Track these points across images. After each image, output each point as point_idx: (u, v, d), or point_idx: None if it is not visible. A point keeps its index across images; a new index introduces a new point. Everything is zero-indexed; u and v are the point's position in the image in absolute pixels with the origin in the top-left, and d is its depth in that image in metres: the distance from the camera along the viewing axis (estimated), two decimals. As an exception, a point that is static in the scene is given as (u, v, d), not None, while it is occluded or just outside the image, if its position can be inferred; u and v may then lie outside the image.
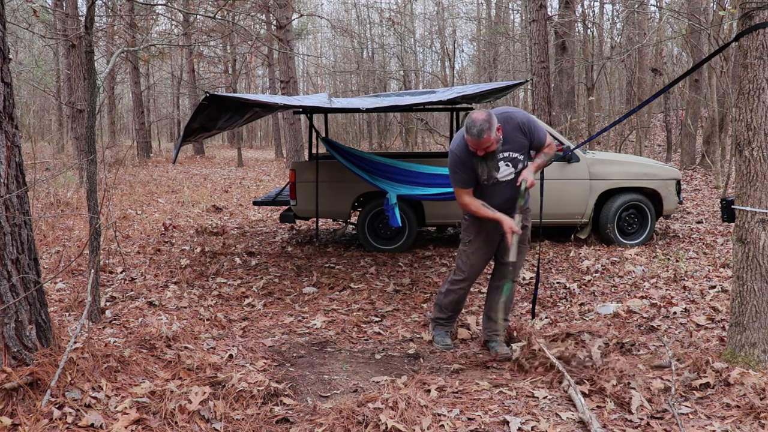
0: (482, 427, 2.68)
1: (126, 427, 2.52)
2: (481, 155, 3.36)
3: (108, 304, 4.54)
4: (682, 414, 2.69)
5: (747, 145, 2.92)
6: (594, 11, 17.80)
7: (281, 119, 19.53)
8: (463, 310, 4.38)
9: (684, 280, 5.07)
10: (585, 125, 14.97)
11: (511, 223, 3.40)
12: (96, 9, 4.59)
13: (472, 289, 4.82)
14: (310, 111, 6.71)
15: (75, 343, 2.87)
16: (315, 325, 4.26)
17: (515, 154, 3.49)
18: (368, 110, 5.47)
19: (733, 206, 3.03)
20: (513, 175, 3.51)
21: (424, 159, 6.50)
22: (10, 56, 2.72)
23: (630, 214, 6.67)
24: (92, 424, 2.49)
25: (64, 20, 13.34)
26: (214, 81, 26.02)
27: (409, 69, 23.64)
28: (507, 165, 3.49)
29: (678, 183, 6.72)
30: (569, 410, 2.82)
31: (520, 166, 3.51)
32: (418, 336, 4.06)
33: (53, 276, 5.09)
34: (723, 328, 3.82)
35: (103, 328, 3.86)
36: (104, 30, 15.60)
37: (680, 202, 6.81)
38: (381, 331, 4.16)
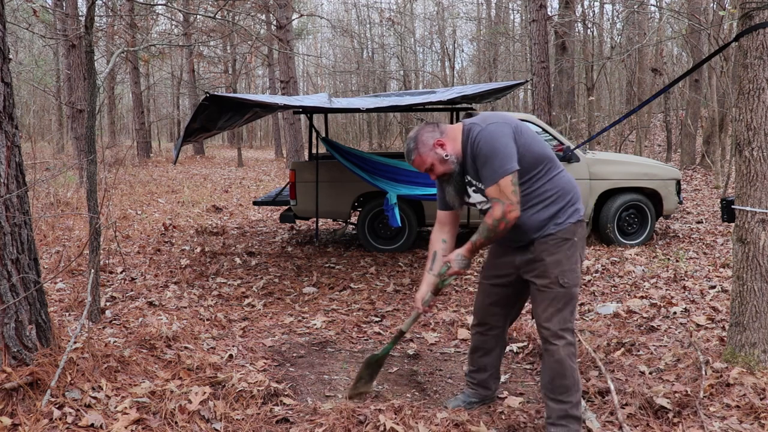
0: (482, 427, 2.68)
1: (126, 427, 2.52)
2: (433, 178, 2.66)
3: (108, 304, 4.54)
4: (683, 414, 2.69)
5: (747, 145, 2.92)
6: (594, 11, 17.81)
7: (281, 119, 19.54)
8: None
9: (684, 280, 5.07)
10: (585, 125, 14.99)
11: (418, 297, 2.72)
12: (96, 9, 4.59)
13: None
14: (310, 111, 6.71)
15: (75, 343, 2.87)
16: (315, 325, 4.26)
17: (476, 183, 2.55)
18: (368, 110, 5.47)
19: (733, 206, 3.03)
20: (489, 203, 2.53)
21: None
22: (10, 56, 2.72)
23: (630, 214, 6.67)
24: (92, 424, 2.49)
25: (64, 20, 13.34)
26: (214, 81, 26.02)
27: (409, 69, 23.67)
28: (476, 192, 2.58)
29: (678, 183, 6.73)
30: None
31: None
32: (418, 336, 4.06)
33: (53, 276, 5.09)
34: (723, 328, 3.82)
35: (103, 328, 3.86)
36: (104, 30, 15.60)
37: (680, 202, 6.81)
38: (381, 331, 4.16)
